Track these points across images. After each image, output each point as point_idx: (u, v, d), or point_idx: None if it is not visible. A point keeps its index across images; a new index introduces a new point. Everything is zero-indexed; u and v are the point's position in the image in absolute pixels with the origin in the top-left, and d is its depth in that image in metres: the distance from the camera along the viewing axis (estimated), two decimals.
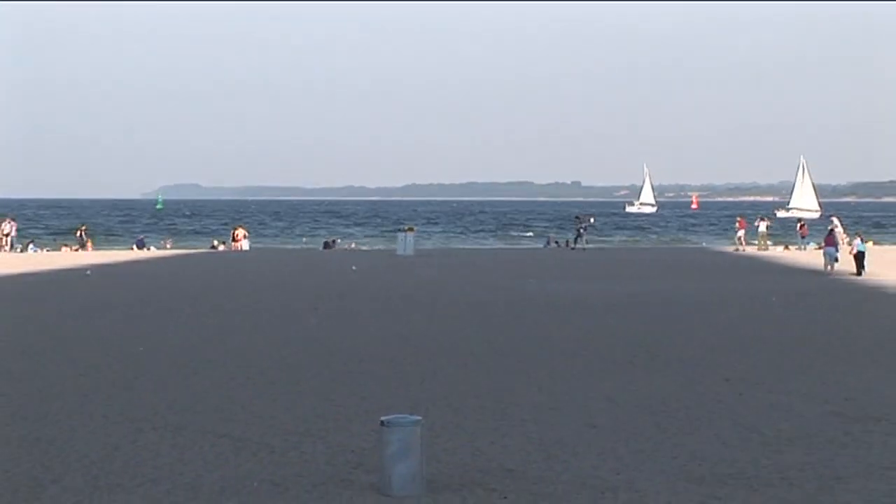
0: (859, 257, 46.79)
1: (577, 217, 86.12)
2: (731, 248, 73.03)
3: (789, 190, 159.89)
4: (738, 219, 75.51)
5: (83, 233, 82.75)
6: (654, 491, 11.82)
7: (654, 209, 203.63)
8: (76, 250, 73.03)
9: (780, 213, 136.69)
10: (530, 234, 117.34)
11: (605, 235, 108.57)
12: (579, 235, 75.58)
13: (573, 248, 72.03)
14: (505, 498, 11.57)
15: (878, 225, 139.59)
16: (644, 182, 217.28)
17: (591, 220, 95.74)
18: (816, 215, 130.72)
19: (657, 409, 16.38)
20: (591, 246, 73.22)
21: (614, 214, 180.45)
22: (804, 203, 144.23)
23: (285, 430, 14.91)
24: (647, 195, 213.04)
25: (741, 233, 72.14)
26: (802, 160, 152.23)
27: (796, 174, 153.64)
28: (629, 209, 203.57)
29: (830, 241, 50.15)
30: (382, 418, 12.10)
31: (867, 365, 20.80)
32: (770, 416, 15.77)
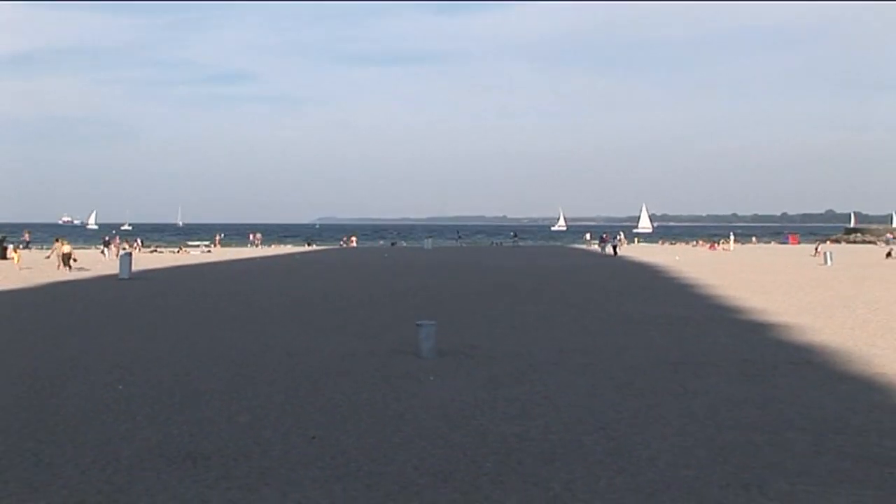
0: (614, 247, 49.99)
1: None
2: (582, 248, 70.55)
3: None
4: (604, 234, 67.40)
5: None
6: (541, 354, 11.43)
7: (565, 228, 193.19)
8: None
9: (634, 230, 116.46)
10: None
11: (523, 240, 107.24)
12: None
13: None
14: (472, 358, 11.15)
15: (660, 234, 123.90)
16: (560, 214, 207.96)
17: (513, 233, 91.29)
18: (650, 231, 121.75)
19: (542, 319, 15.96)
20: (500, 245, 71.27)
21: (540, 232, 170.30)
22: (644, 225, 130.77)
23: (374, 328, 14.49)
24: (562, 221, 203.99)
25: (596, 239, 67.83)
26: (644, 205, 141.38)
27: (641, 210, 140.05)
28: (552, 229, 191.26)
29: (606, 239, 55.24)
30: (417, 321, 11.71)
31: (628, 296, 20.36)
32: (594, 322, 15.36)
